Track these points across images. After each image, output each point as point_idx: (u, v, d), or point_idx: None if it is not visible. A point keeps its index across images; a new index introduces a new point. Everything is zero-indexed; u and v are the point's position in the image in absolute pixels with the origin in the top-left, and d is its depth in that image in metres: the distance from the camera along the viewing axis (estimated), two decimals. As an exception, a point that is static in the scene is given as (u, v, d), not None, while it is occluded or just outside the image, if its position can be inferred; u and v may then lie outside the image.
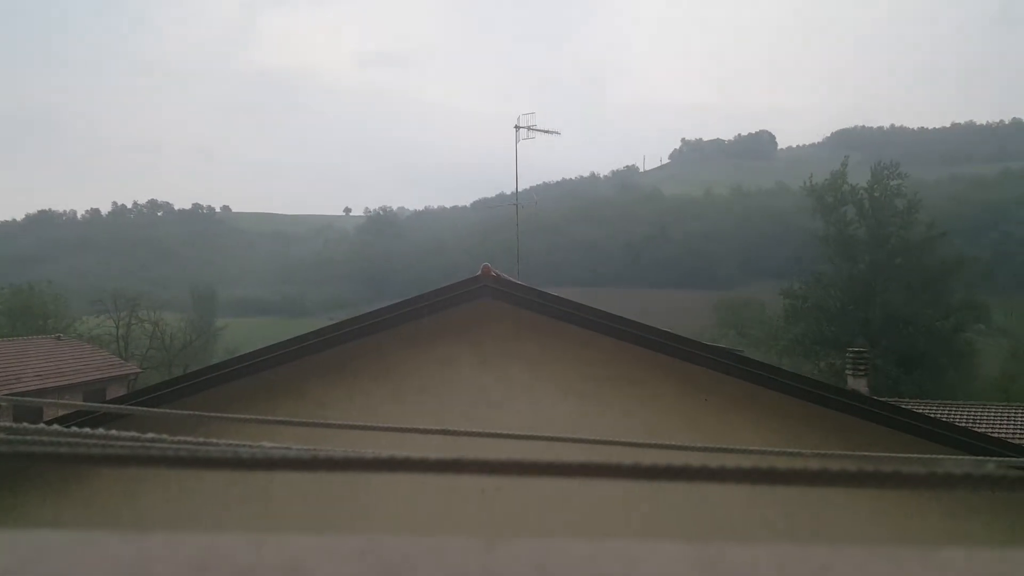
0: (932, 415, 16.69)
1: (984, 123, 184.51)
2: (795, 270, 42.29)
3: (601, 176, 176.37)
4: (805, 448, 5.76)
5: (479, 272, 6.06)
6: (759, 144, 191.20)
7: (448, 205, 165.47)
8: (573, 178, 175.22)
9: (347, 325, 6.33)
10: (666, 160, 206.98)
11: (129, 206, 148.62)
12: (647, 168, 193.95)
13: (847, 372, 13.36)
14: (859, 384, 12.79)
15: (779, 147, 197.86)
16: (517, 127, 13.24)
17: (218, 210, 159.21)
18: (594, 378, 6.09)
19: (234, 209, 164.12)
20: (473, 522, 5.27)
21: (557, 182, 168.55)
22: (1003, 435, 15.14)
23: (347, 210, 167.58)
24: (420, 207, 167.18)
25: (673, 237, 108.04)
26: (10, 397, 6.11)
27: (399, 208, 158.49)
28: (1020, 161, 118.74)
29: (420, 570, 0.37)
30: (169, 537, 0.40)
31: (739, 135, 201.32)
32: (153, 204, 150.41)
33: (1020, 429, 15.17)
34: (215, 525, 5.60)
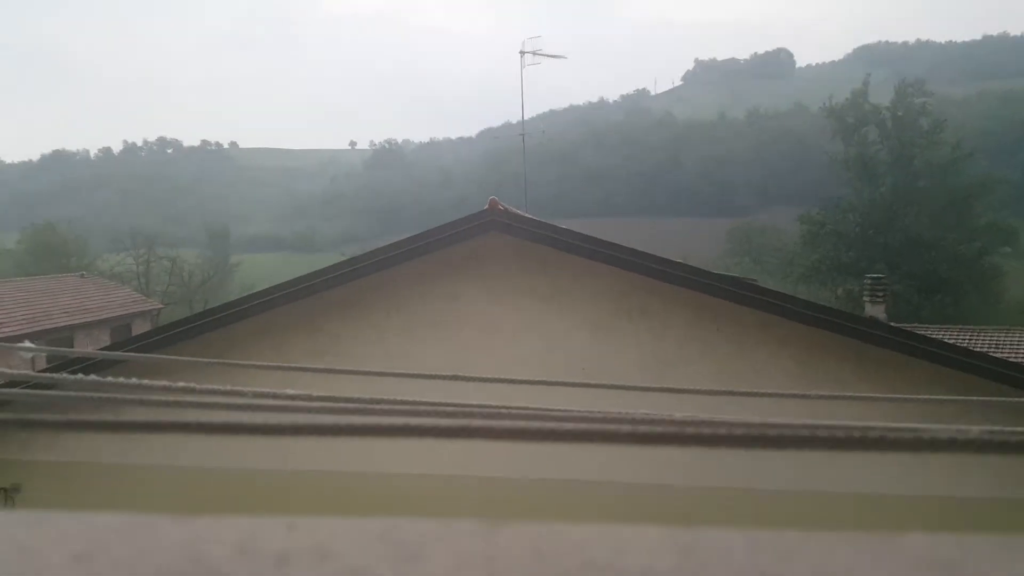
0: (952, 341, 16.63)
1: (1019, 34, 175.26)
2: (813, 195, 41.43)
3: (610, 101, 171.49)
4: (819, 374, 5.75)
5: (486, 206, 5.95)
6: (776, 63, 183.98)
7: (454, 136, 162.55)
8: (581, 104, 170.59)
9: (358, 261, 6.31)
10: (678, 82, 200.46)
11: (139, 144, 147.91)
12: (658, 91, 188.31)
13: (864, 299, 13.21)
14: (877, 311, 12.65)
15: (798, 66, 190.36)
16: (522, 52, 12.77)
17: (226, 146, 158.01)
18: (606, 310, 6.06)
19: (241, 145, 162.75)
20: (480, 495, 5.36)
21: (564, 108, 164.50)
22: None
23: (352, 144, 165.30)
24: (425, 139, 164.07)
25: (686, 164, 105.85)
26: (31, 347, 6.18)
27: (404, 140, 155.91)
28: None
29: (430, 552, 0.40)
30: (215, 519, 0.43)
31: (755, 54, 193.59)
32: (162, 142, 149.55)
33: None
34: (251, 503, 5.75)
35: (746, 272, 60.52)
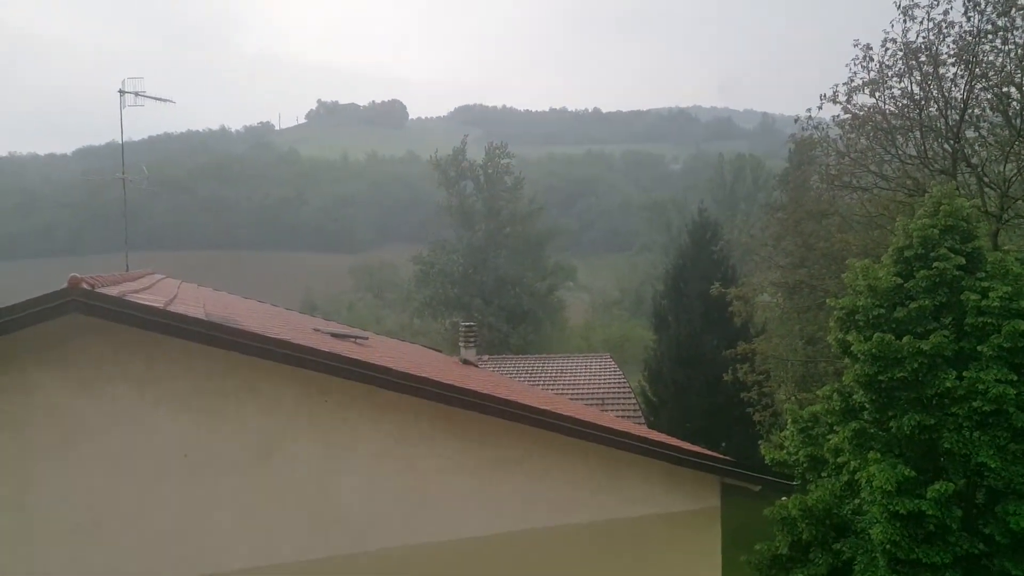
0: (530, 367, 19.92)
1: (574, 110, 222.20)
2: (425, 236, 45.68)
3: (233, 131, 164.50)
4: (414, 435, 6.52)
5: (66, 284, 5.35)
6: (392, 112, 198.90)
7: (43, 152, 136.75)
8: (201, 130, 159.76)
9: None
10: (303, 120, 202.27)
11: None
12: (283, 127, 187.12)
13: (460, 343, 15.18)
14: (469, 353, 14.69)
15: (410, 117, 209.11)
16: (122, 92, 11.56)
17: None
18: (211, 391, 5.93)
19: None
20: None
21: (182, 133, 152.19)
22: (582, 380, 18.89)
23: None
24: (3, 153, 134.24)
25: (310, 200, 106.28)
26: None
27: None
28: (599, 144, 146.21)
29: None
30: None
31: (373, 102, 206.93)
32: None
33: (594, 376, 19.08)
34: None
35: (369, 307, 62.81)
